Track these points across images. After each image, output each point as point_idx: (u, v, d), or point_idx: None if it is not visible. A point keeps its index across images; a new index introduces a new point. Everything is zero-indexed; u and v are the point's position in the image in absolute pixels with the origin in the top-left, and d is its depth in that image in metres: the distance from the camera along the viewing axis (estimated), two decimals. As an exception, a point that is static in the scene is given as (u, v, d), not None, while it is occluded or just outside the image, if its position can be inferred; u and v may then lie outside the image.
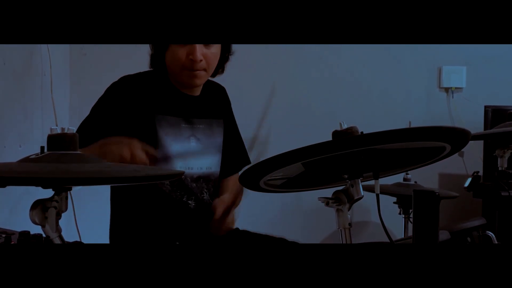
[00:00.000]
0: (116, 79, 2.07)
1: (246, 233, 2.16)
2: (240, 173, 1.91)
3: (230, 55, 2.13)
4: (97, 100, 2.04)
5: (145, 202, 2.02)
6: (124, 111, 1.99)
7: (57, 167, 1.23)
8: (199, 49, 1.97)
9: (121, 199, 2.08)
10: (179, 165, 2.02)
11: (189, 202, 2.06)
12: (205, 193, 2.11)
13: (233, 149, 2.28)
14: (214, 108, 2.17)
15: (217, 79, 2.22)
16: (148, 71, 2.11)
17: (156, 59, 2.07)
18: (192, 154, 2.07)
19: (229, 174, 2.27)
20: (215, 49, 2.02)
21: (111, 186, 2.12)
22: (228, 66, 2.15)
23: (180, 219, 2.04)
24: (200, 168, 2.09)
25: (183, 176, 2.02)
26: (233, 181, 2.23)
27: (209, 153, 2.12)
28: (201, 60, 1.98)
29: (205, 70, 2.02)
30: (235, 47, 2.13)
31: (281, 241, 2.10)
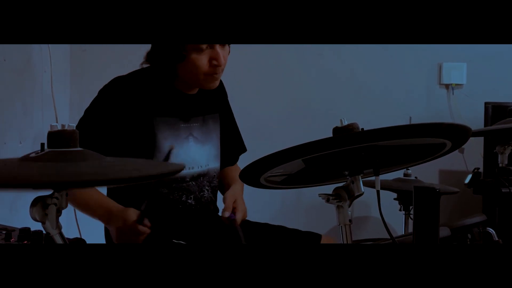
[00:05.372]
0: (116, 75, 2.06)
1: (246, 222, 2.15)
2: (241, 168, 1.91)
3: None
4: (90, 102, 2.02)
5: (141, 202, 2.01)
6: (119, 114, 1.96)
7: (56, 169, 1.23)
8: (221, 52, 1.95)
9: (118, 202, 2.06)
10: None
11: (188, 201, 2.06)
12: (205, 191, 2.10)
13: (230, 140, 2.29)
14: (209, 103, 2.17)
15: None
16: (141, 69, 2.07)
17: (163, 65, 2.00)
18: (191, 153, 2.06)
19: (227, 165, 2.27)
20: (227, 48, 2.01)
21: (107, 190, 2.11)
22: (229, 65, 2.14)
23: (179, 217, 2.04)
24: (200, 166, 2.08)
25: (179, 178, 2.01)
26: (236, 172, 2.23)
27: (207, 149, 2.12)
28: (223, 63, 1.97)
29: (222, 70, 2.01)
30: (235, 46, 2.13)
31: (281, 229, 2.10)
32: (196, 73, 1.97)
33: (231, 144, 2.29)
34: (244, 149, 2.33)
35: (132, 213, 1.83)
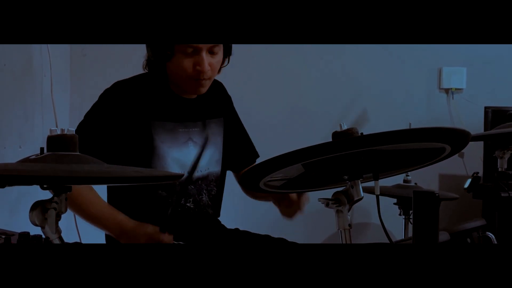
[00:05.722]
0: (116, 79, 2.06)
1: (246, 233, 2.16)
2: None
3: (230, 56, 2.11)
4: (91, 106, 2.02)
5: (141, 206, 2.01)
6: (119, 119, 1.97)
7: (57, 166, 1.24)
8: (206, 59, 1.95)
9: (117, 204, 2.06)
10: (177, 171, 2.01)
11: (187, 204, 2.06)
12: (203, 194, 2.10)
13: (241, 146, 2.27)
14: (212, 107, 2.16)
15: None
16: (142, 74, 2.08)
17: (155, 65, 2.02)
18: (190, 158, 2.05)
19: (246, 166, 2.26)
20: (219, 57, 2.00)
21: (107, 192, 2.11)
22: (229, 66, 2.14)
23: (177, 220, 2.04)
24: (199, 171, 2.08)
25: (177, 182, 2.01)
26: None
27: (208, 154, 2.11)
28: (207, 70, 1.97)
29: (209, 78, 2.01)
30: (235, 46, 2.12)
31: (281, 241, 2.10)
32: (180, 76, 1.97)
33: (243, 150, 2.29)
34: (257, 155, 2.32)
35: (151, 229, 1.84)
